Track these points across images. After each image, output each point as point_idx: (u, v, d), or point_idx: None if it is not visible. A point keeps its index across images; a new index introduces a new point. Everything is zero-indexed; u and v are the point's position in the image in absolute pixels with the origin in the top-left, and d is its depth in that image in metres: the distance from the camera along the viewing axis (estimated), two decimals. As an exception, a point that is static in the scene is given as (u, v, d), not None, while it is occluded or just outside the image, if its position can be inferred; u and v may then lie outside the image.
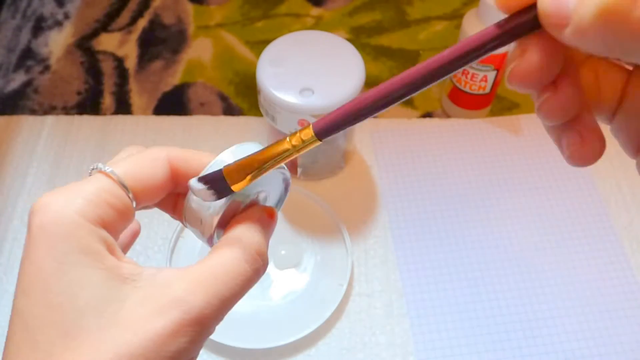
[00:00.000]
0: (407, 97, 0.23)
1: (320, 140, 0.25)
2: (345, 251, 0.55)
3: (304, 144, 0.25)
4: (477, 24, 0.57)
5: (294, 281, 0.54)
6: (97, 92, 0.69)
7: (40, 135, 0.63)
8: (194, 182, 0.26)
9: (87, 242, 0.23)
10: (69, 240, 0.23)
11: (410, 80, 0.23)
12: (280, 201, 0.31)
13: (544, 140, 0.64)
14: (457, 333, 0.51)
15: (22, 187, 0.59)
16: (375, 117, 0.67)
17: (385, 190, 0.60)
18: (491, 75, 0.60)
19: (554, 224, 0.58)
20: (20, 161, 0.61)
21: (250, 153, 0.26)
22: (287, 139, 0.26)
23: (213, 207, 0.27)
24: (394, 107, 0.67)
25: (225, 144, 0.28)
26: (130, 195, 0.25)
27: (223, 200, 0.26)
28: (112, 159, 0.27)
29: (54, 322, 0.22)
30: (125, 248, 0.31)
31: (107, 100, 0.68)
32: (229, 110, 0.68)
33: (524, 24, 0.21)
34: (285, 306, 0.52)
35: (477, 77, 0.60)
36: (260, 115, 0.55)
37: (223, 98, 0.69)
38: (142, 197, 0.26)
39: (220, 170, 0.26)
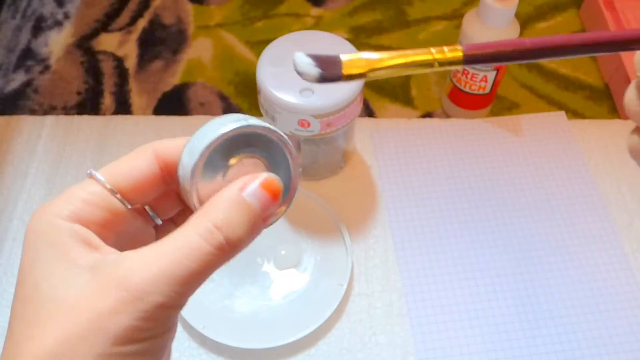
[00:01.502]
0: (558, 57, 0.26)
1: (464, 65, 0.24)
2: (345, 251, 0.55)
3: (447, 61, 0.24)
4: (477, 24, 0.57)
5: (294, 281, 0.54)
6: (97, 92, 0.69)
7: (40, 135, 0.63)
8: (299, 54, 0.24)
9: (55, 237, 0.24)
10: (42, 237, 0.24)
11: (567, 44, 0.25)
12: (289, 176, 0.27)
13: (544, 140, 0.64)
14: (457, 333, 0.51)
15: (22, 187, 0.59)
16: (375, 117, 0.67)
17: (385, 190, 0.60)
18: (491, 75, 0.60)
19: (554, 224, 0.58)
20: (20, 161, 0.61)
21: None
22: (431, 49, 0.24)
23: (186, 172, 0.25)
24: (394, 107, 0.68)
25: (225, 144, 0.27)
26: (118, 196, 0.26)
27: (194, 160, 0.25)
28: (111, 159, 0.28)
29: (23, 313, 0.23)
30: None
31: (107, 100, 0.68)
32: (229, 110, 0.68)
33: None
34: (285, 306, 0.52)
35: (477, 77, 0.60)
36: (260, 115, 0.55)
37: (223, 98, 0.69)
38: (133, 194, 0.26)
39: (337, 55, 0.24)
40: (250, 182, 0.25)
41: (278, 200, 0.26)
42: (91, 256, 0.24)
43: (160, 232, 0.29)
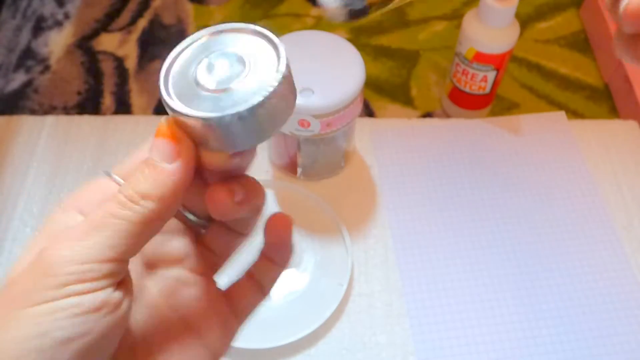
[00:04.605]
0: None
1: None
2: (345, 251, 0.55)
3: None
4: (477, 24, 0.57)
5: (294, 281, 0.54)
6: (97, 92, 0.69)
7: (40, 135, 0.63)
8: None
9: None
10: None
11: None
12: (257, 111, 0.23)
13: (544, 140, 0.64)
14: (457, 333, 0.51)
15: (22, 187, 0.59)
16: (375, 117, 0.67)
17: (385, 190, 0.60)
18: (491, 75, 0.60)
19: (554, 224, 0.58)
20: (20, 161, 0.61)
21: None
22: None
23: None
24: (394, 107, 0.68)
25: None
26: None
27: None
28: (111, 159, 0.26)
29: None
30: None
31: (107, 100, 0.68)
32: (229, 110, 0.68)
33: None
34: (285, 306, 0.52)
35: (477, 77, 0.60)
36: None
37: (223, 98, 0.69)
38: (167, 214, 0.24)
39: None
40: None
41: (180, 141, 0.24)
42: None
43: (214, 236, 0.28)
